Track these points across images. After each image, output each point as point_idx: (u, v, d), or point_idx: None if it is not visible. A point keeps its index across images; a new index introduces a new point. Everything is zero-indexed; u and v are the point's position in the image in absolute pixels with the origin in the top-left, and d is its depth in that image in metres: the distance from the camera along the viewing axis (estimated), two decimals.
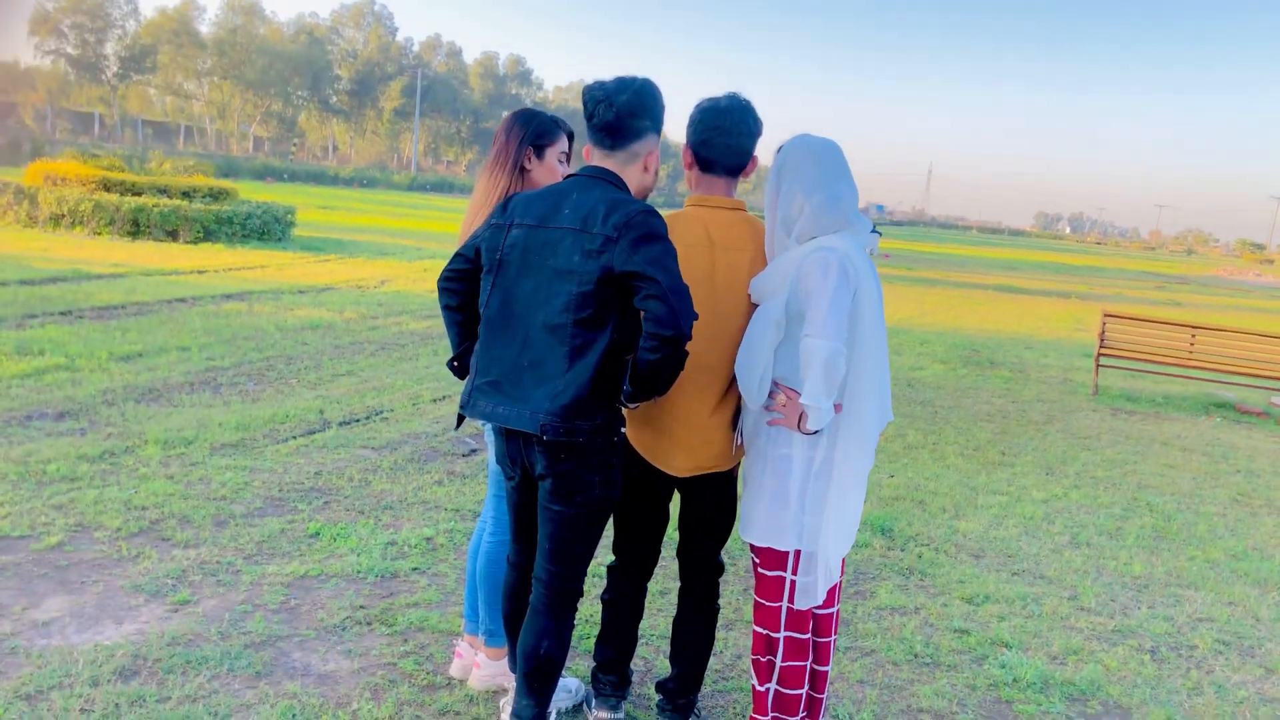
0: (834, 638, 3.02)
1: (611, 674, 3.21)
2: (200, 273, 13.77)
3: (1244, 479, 7.45)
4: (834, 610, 2.99)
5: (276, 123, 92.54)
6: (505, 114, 3.33)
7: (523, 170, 3.17)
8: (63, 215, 17.22)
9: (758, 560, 2.88)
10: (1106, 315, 11.25)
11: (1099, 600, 4.69)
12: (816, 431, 2.62)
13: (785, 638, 2.85)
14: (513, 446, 2.69)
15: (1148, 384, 11.74)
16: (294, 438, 6.14)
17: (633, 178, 2.70)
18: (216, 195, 19.64)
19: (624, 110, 2.63)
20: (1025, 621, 4.35)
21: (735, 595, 4.38)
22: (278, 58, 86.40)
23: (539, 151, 3.18)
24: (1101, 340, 10.95)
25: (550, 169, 3.19)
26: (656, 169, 2.78)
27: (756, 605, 2.91)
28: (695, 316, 2.42)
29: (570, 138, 3.29)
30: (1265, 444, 8.98)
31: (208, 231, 17.82)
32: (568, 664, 3.56)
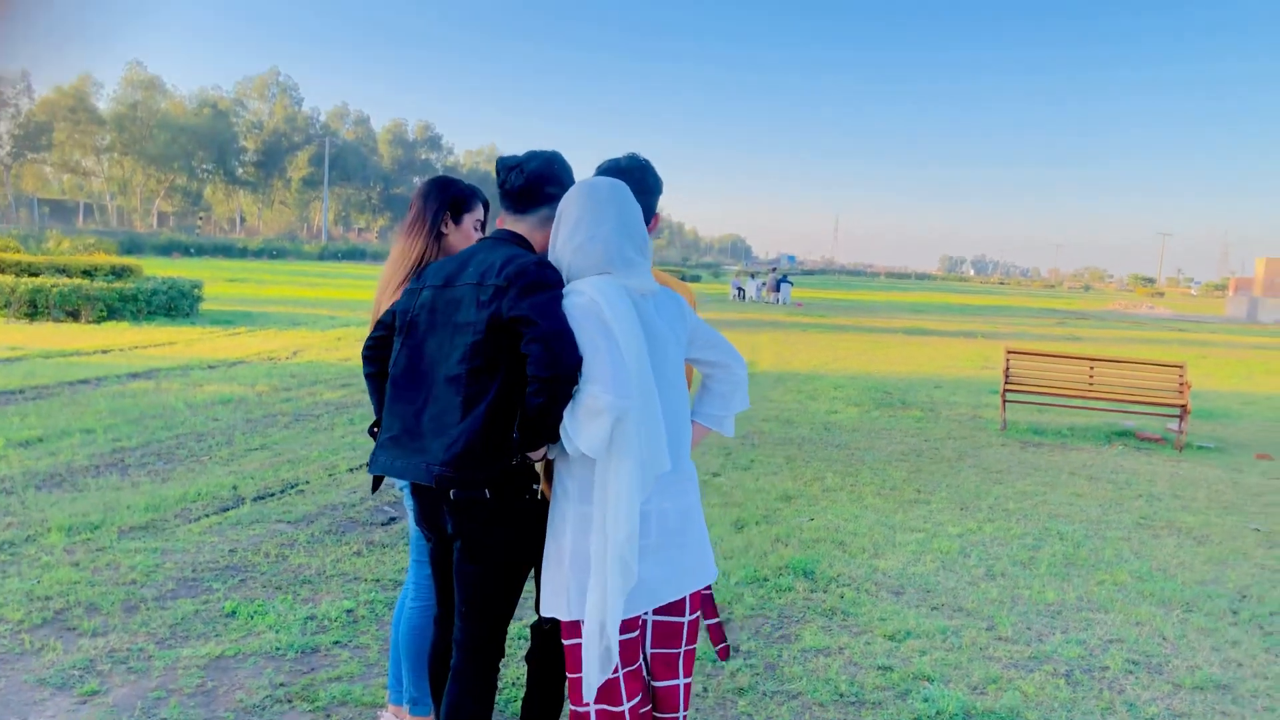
0: (683, 713, 2.85)
1: None
2: (104, 352, 13.41)
3: (1146, 503, 7.73)
4: (677, 684, 2.84)
5: (181, 197, 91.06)
6: (421, 180, 3.39)
7: (440, 235, 3.23)
8: None
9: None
10: (1010, 352, 11.64)
11: (1015, 629, 4.82)
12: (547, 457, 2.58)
13: (597, 710, 2.65)
14: (425, 506, 2.71)
15: (1053, 416, 12.13)
16: (206, 516, 5.99)
17: (540, 241, 2.78)
18: (119, 273, 19.21)
19: (534, 177, 2.75)
20: (946, 654, 4.44)
21: None
22: (180, 131, 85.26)
23: (456, 218, 3.25)
24: (1006, 376, 11.31)
25: (466, 235, 3.26)
26: None
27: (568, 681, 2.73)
28: (577, 360, 2.46)
29: (486, 207, 3.36)
30: (1164, 468, 9.34)
31: (111, 310, 17.39)
32: None
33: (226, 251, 64.00)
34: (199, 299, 19.96)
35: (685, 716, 2.85)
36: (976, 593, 5.33)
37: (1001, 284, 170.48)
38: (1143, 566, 5.96)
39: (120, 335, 15.42)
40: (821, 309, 38.68)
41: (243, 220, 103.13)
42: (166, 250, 57.07)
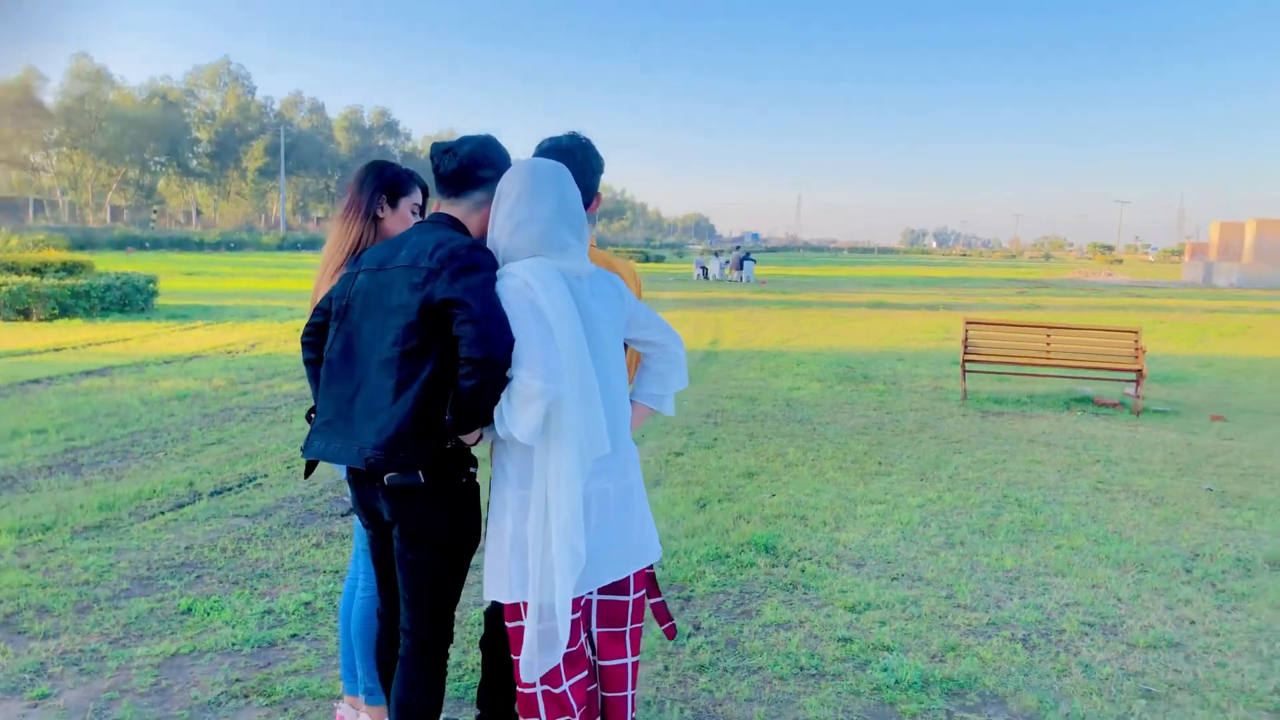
0: (630, 692, 2.86)
1: (497, 718, 3.17)
2: (56, 350, 13.19)
3: (1103, 468, 7.83)
4: (625, 662, 2.84)
5: (134, 190, 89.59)
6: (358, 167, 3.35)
7: (376, 219, 3.19)
8: None
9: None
10: (968, 323, 11.73)
11: (974, 596, 4.87)
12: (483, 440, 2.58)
13: (542, 691, 2.64)
14: (361, 493, 2.69)
15: (1013, 386, 12.25)
16: (162, 513, 5.91)
17: (475, 225, 2.75)
18: (71, 269, 18.90)
19: (466, 160, 2.72)
20: (906, 624, 4.47)
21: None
22: (131, 124, 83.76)
23: (393, 201, 3.21)
24: (965, 347, 11.41)
25: (403, 218, 3.22)
26: None
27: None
28: (510, 342, 2.44)
29: (424, 191, 3.31)
30: (1121, 432, 9.47)
31: (63, 307, 17.10)
32: (455, 715, 3.51)
33: (183, 245, 63.11)
34: (154, 294, 19.67)
35: (633, 695, 2.86)
36: (936, 562, 5.37)
37: (964, 255, 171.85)
38: (1099, 530, 6.04)
39: (73, 333, 15.16)
40: (785, 286, 38.81)
41: (199, 213, 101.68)
42: (121, 245, 56.17)
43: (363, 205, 3.16)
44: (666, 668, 3.98)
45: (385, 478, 2.53)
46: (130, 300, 18.70)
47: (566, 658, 2.64)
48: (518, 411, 2.43)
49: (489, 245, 2.65)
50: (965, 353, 11.36)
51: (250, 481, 6.70)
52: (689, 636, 4.29)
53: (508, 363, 2.42)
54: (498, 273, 2.56)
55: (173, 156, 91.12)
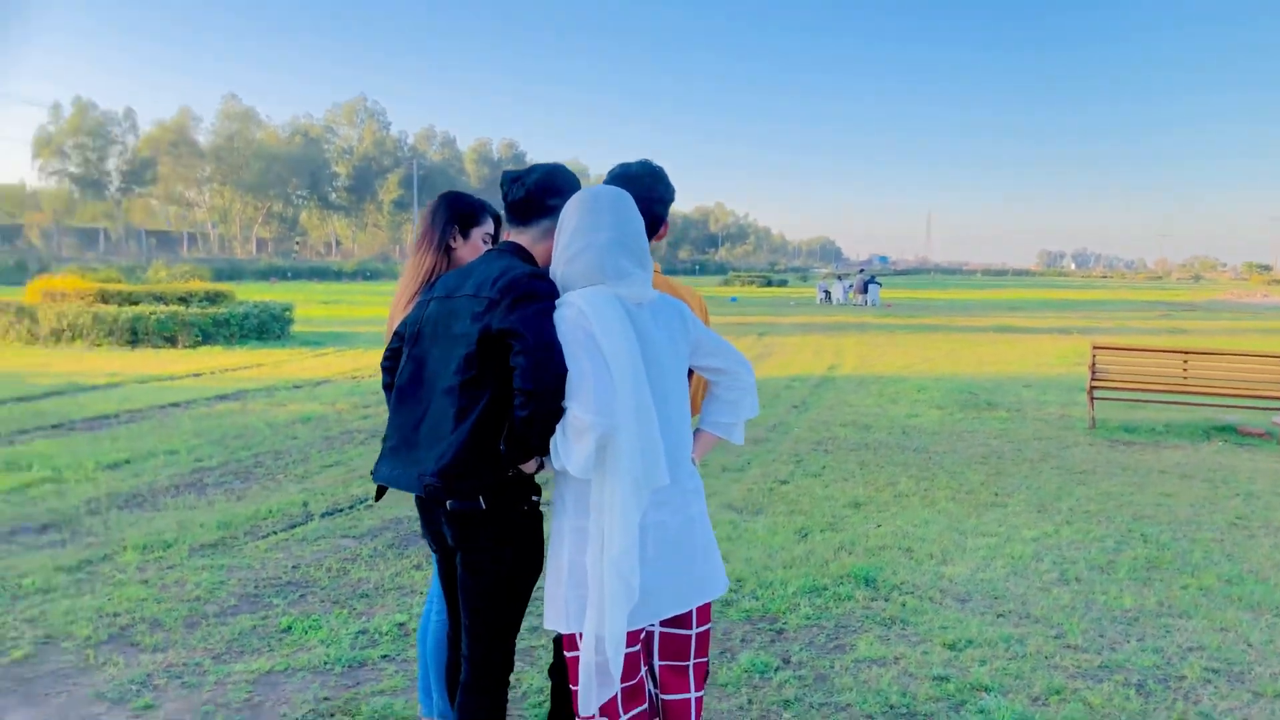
0: None
1: None
2: (196, 376, 13.89)
3: (1243, 502, 7.34)
4: (688, 697, 2.77)
5: (278, 223, 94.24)
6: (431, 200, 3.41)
7: (449, 249, 3.25)
8: (63, 330, 17.46)
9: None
10: (1096, 347, 11.22)
11: (1086, 637, 4.60)
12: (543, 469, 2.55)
13: None
14: (427, 519, 2.72)
15: (1148, 414, 11.64)
16: (275, 533, 6.13)
17: (542, 253, 2.76)
18: (213, 298, 19.93)
19: (535, 189, 2.74)
20: (1008, 664, 4.26)
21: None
22: (275, 160, 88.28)
23: (465, 232, 3.27)
24: (1093, 372, 10.90)
25: (475, 248, 3.26)
26: None
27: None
28: (563, 373, 2.42)
29: (496, 220, 3.36)
30: (1266, 464, 8.87)
31: (206, 335, 18.02)
32: None
33: (322, 274, 65.92)
34: (290, 321, 20.56)
35: None
36: (1047, 599, 5.11)
37: (1104, 278, 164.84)
38: (1233, 569, 5.65)
39: (213, 359, 15.97)
40: (911, 309, 37.95)
41: (338, 243, 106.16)
42: (265, 275, 59.05)
43: (435, 236, 3.22)
44: (750, 701, 3.89)
45: (447, 503, 2.55)
46: (268, 328, 19.59)
47: (625, 691, 2.60)
48: (570, 445, 2.42)
49: (551, 273, 2.65)
50: (1093, 378, 10.85)
51: (361, 503, 6.89)
52: (776, 670, 4.18)
53: (560, 394, 2.41)
54: (556, 302, 2.55)
55: (313, 190, 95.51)
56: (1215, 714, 3.81)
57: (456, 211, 3.26)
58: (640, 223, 2.66)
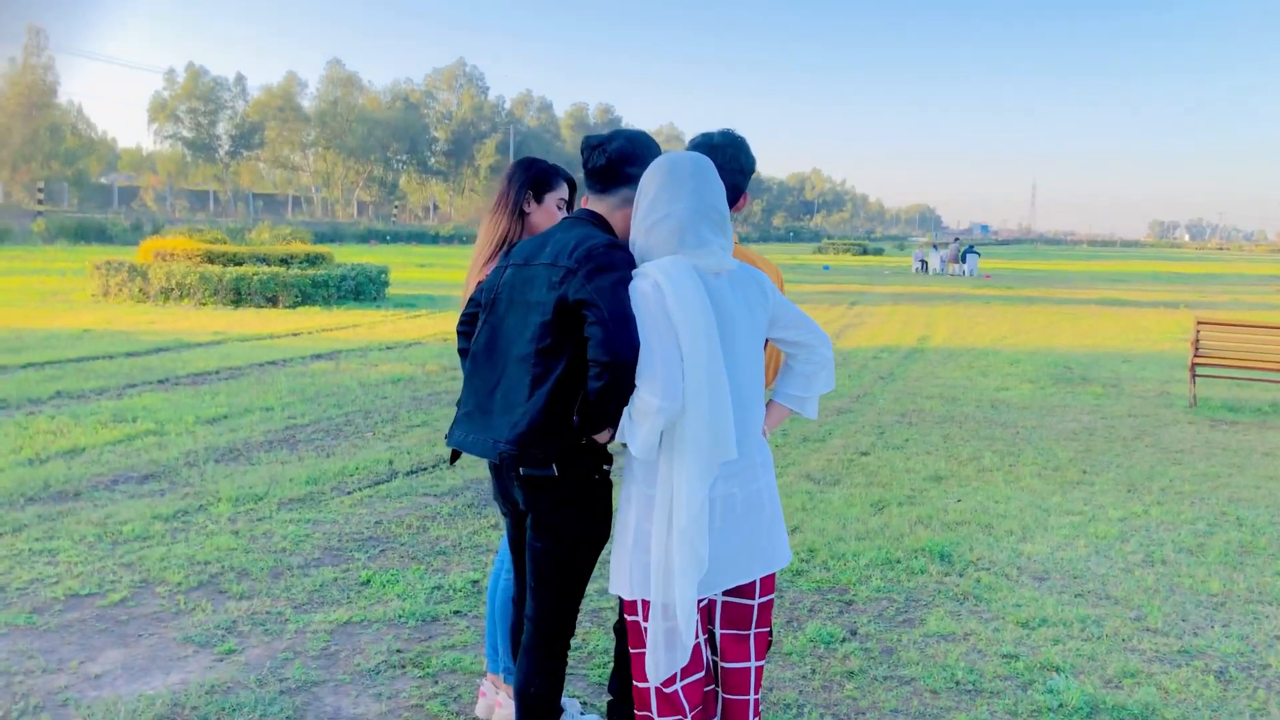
0: (752, 697, 2.78)
1: (627, 704, 3.19)
2: (295, 335, 14.34)
3: None
4: (748, 666, 2.77)
5: (378, 187, 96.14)
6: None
7: (523, 214, 3.29)
8: (171, 288, 18.17)
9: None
10: (1200, 322, 10.77)
11: (1167, 620, 4.47)
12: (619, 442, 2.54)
13: (655, 689, 2.61)
14: (499, 482, 2.77)
15: (1254, 393, 11.15)
16: (360, 489, 6.32)
17: (620, 221, 2.75)
18: (313, 260, 20.47)
19: (615, 156, 2.72)
20: (1082, 644, 4.17)
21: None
22: (376, 125, 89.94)
23: (538, 196, 3.30)
24: (1196, 349, 10.48)
25: (549, 213, 3.29)
26: None
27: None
28: (635, 345, 2.43)
29: (572, 186, 3.38)
30: None
31: (305, 295, 18.55)
32: (594, 701, 3.57)
33: (419, 238, 67.11)
34: (386, 284, 21.02)
35: (756, 700, 2.79)
36: (1129, 580, 4.97)
37: (1221, 249, 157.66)
38: None
39: (311, 319, 16.45)
40: (1011, 280, 36.91)
41: (436, 207, 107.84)
42: (365, 238, 60.36)
43: (510, 201, 3.26)
44: (814, 671, 3.89)
45: (520, 469, 2.59)
46: (364, 290, 20.07)
47: (729, 673, 2.67)
48: (635, 425, 2.45)
49: (630, 242, 2.65)
50: (1195, 355, 10.43)
51: (444, 462, 7.05)
52: (843, 641, 4.17)
53: (634, 366, 2.43)
54: (633, 273, 2.56)
55: (413, 155, 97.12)
56: None
57: (531, 176, 3.30)
58: (722, 191, 2.65)
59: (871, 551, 5.27)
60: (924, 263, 43.41)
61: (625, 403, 2.48)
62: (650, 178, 2.62)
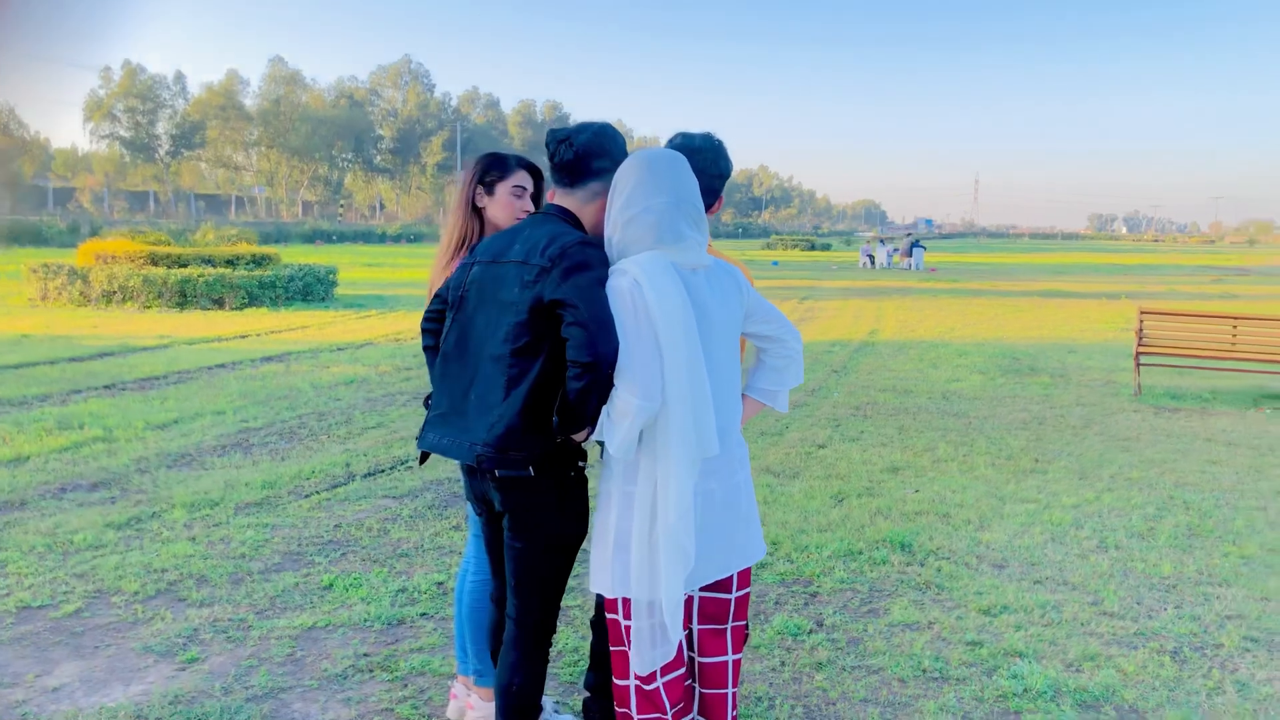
0: (730, 690, 2.80)
1: (603, 699, 3.19)
2: (243, 337, 14.11)
3: None
4: (725, 660, 2.79)
5: (323, 186, 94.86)
6: None
7: (477, 209, 3.27)
8: (113, 292, 17.79)
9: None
10: (1143, 312, 11.03)
11: (1123, 604, 4.57)
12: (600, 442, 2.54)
13: (635, 686, 2.63)
14: (473, 482, 2.75)
15: (1194, 381, 11.43)
16: (318, 492, 6.24)
17: (589, 216, 2.73)
18: (259, 261, 20.16)
19: (583, 150, 2.68)
20: (1043, 630, 4.25)
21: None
22: (321, 123, 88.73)
23: (489, 188, 3.27)
24: (1140, 338, 10.72)
25: (503, 204, 3.26)
26: None
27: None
28: (615, 345, 2.43)
29: (534, 173, 3.35)
30: None
31: (252, 297, 18.27)
32: (566, 700, 3.56)
33: (366, 237, 66.37)
34: (334, 284, 20.76)
35: (734, 693, 2.81)
36: (1085, 566, 5.08)
37: (1156, 241, 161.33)
38: (1276, 538, 5.57)
39: (259, 321, 16.20)
40: (956, 273, 37.47)
41: (382, 206, 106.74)
42: (311, 238, 59.56)
43: (463, 198, 3.24)
44: (783, 663, 3.92)
45: (495, 471, 2.57)
46: (312, 290, 19.81)
47: (706, 668, 2.66)
48: (612, 425, 2.44)
49: (605, 238, 2.64)
50: (1139, 344, 10.67)
51: (402, 464, 6.99)
52: (810, 633, 4.20)
53: (611, 365, 2.42)
54: (610, 270, 2.54)
55: (358, 153, 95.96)
56: (1253, 683, 3.78)
57: (478, 170, 3.28)
58: (697, 187, 2.65)
59: (834, 543, 5.32)
60: (871, 257, 43.86)
61: (604, 402, 2.47)
62: (627, 173, 2.61)
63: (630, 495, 2.53)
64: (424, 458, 2.90)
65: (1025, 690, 3.68)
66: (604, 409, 2.48)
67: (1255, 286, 32.49)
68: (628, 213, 2.56)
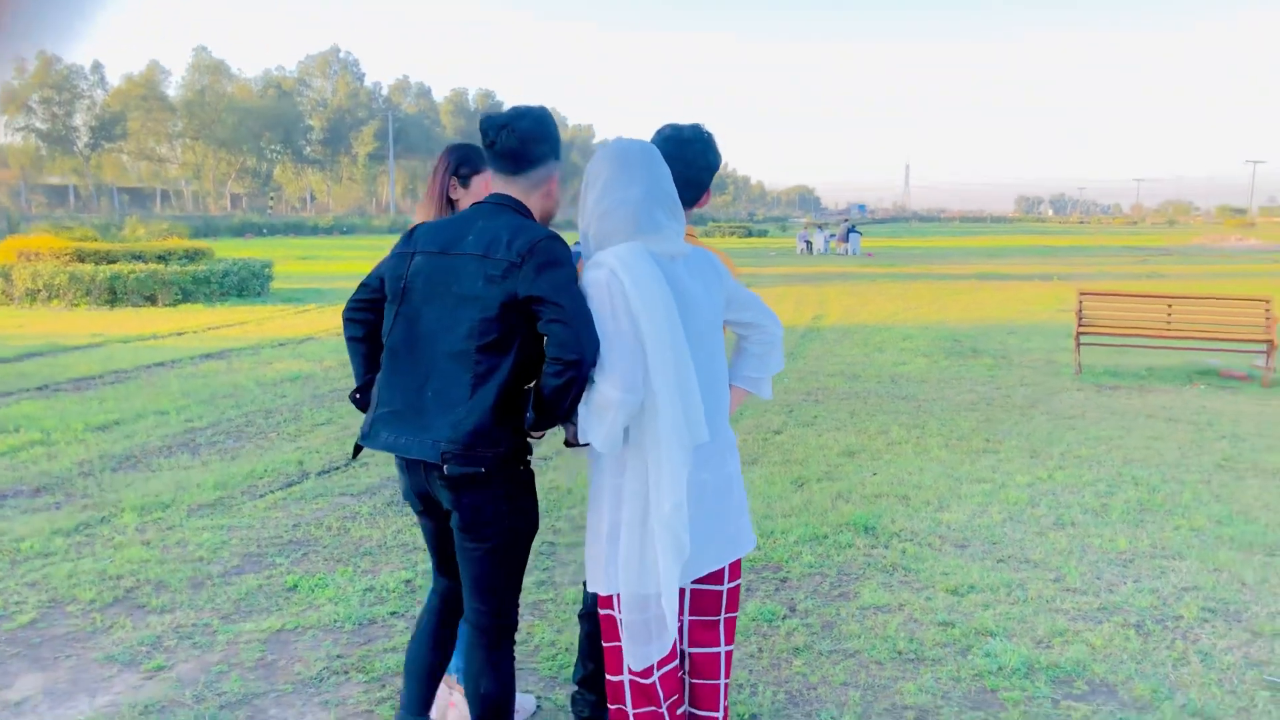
0: (722, 681, 2.80)
1: (592, 692, 3.17)
2: (179, 335, 13.76)
3: (1229, 444, 7.44)
4: (717, 651, 2.79)
5: (252, 178, 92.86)
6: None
7: (450, 201, 3.21)
8: (38, 290, 17.22)
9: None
10: (1083, 294, 11.28)
11: (1084, 579, 4.67)
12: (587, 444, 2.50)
13: (630, 681, 2.63)
14: (415, 480, 2.64)
15: (1132, 359, 11.74)
16: (272, 491, 6.11)
17: (536, 204, 2.68)
18: (192, 256, 19.70)
19: (526, 136, 2.61)
20: (1010, 608, 4.32)
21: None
22: (248, 114, 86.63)
23: (464, 181, 3.22)
24: (1079, 319, 10.97)
25: (478, 196, 3.20)
26: (558, 194, 2.75)
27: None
28: (598, 342, 2.40)
29: None
30: (1249, 407, 8.98)
31: (186, 293, 17.83)
32: (549, 695, 3.53)
33: (298, 230, 65.09)
34: (270, 278, 20.34)
35: (726, 684, 2.81)
36: (1044, 543, 5.18)
37: (1081, 223, 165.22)
38: (1223, 510, 5.74)
39: (195, 317, 15.81)
40: (892, 258, 37.99)
41: (313, 198, 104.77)
42: (240, 232, 58.22)
43: (436, 190, 3.19)
44: (760, 650, 3.93)
45: (444, 467, 2.48)
46: (247, 285, 19.38)
47: (697, 659, 2.65)
48: (595, 420, 2.41)
49: (581, 231, 2.60)
50: (1079, 325, 10.92)
51: (358, 461, 6.87)
52: (784, 619, 4.23)
53: (593, 361, 2.39)
54: (590, 263, 2.51)
55: (287, 144, 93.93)
56: (1215, 652, 3.89)
57: (454, 161, 3.22)
58: (670, 176, 2.62)
59: (799, 528, 5.36)
60: (809, 243, 44.25)
61: (579, 398, 2.44)
62: (600, 165, 2.58)
63: (619, 488, 2.51)
64: (357, 451, 2.81)
65: (1000, 668, 3.74)
66: (585, 406, 2.44)
67: (1179, 266, 33.46)
68: (603, 205, 2.54)
